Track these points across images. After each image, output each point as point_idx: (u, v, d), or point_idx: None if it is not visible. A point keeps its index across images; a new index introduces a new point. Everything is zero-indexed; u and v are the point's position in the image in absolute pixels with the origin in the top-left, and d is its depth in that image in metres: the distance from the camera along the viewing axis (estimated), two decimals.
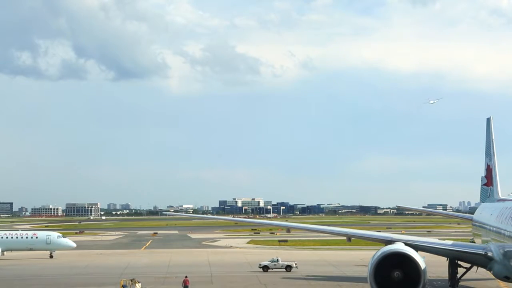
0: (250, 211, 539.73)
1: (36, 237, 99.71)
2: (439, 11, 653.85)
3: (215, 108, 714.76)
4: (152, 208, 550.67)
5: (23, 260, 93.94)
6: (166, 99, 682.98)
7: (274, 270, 74.99)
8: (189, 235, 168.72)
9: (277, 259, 77.24)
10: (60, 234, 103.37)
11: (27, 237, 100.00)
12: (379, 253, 42.07)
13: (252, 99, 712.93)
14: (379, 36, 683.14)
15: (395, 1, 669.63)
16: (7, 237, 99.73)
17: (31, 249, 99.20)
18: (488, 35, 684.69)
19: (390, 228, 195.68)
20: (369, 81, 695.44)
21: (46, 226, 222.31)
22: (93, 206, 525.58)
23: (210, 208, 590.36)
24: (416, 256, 41.74)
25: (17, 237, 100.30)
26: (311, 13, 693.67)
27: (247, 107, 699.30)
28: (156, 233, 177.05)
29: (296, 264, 77.53)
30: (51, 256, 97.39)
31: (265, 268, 75.60)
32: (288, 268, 76.04)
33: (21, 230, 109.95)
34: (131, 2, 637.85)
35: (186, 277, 61.98)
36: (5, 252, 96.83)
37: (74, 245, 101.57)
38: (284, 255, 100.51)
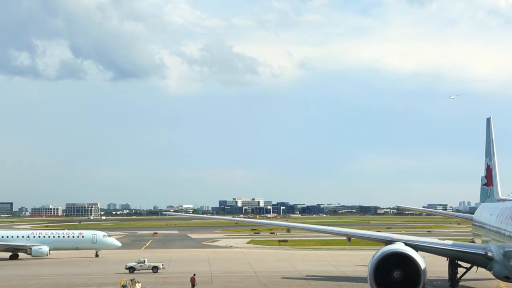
0: (250, 211, 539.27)
1: (82, 236, 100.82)
2: (436, 11, 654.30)
3: (215, 108, 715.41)
4: (152, 208, 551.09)
5: (69, 259, 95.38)
6: (165, 99, 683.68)
7: (140, 271, 74.44)
8: (189, 235, 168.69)
9: (144, 260, 76.94)
10: (106, 233, 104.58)
11: (73, 236, 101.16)
12: (379, 253, 42.07)
13: (251, 99, 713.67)
14: (377, 36, 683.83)
15: (392, 1, 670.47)
16: (53, 236, 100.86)
17: (77, 248, 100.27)
18: (486, 35, 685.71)
19: (390, 228, 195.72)
20: (368, 81, 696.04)
21: (46, 226, 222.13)
22: (93, 206, 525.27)
23: (210, 208, 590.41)
24: (416, 256, 41.75)
25: (63, 236, 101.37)
26: (309, 13, 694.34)
27: (246, 107, 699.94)
28: (156, 233, 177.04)
29: (163, 265, 77.55)
30: (96, 255, 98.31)
31: (131, 270, 74.66)
32: (155, 269, 75.77)
33: (67, 229, 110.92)
34: (129, 2, 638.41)
35: (194, 275, 62.41)
36: (51, 251, 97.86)
37: (119, 244, 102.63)
38: (284, 255, 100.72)
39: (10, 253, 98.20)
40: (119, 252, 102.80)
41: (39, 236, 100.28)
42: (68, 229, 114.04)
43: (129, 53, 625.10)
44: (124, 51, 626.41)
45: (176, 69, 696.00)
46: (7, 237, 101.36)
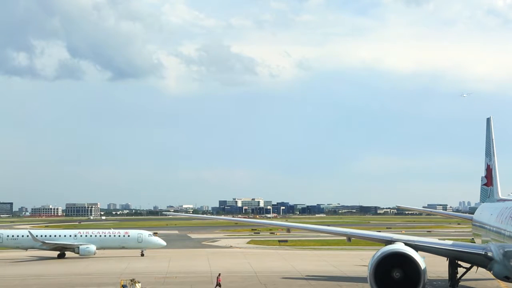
0: (250, 211, 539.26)
1: (128, 236, 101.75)
2: (433, 11, 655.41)
3: (214, 108, 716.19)
4: (152, 208, 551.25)
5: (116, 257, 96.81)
6: (164, 99, 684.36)
7: None
8: (189, 235, 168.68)
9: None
10: (151, 233, 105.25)
11: (119, 236, 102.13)
12: (379, 253, 42.05)
13: (251, 99, 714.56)
14: (375, 36, 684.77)
15: (389, 1, 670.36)
16: (100, 235, 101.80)
17: (123, 247, 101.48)
18: (484, 35, 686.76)
19: (390, 228, 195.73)
20: (367, 81, 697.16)
21: (46, 226, 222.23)
22: (93, 206, 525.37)
23: (210, 208, 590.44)
24: (416, 256, 41.73)
25: (110, 236, 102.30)
26: (306, 13, 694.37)
27: (245, 107, 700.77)
28: (156, 233, 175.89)
29: None
30: (142, 254, 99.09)
31: None
32: None
33: (113, 229, 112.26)
34: (126, 2, 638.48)
35: (219, 275, 63.05)
36: (97, 250, 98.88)
37: (164, 243, 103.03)
38: (284, 255, 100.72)
39: (58, 252, 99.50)
40: (119, 252, 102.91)
41: (86, 235, 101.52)
42: (113, 229, 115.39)
43: (126, 53, 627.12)
44: (121, 51, 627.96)
45: (174, 69, 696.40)
46: (55, 236, 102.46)
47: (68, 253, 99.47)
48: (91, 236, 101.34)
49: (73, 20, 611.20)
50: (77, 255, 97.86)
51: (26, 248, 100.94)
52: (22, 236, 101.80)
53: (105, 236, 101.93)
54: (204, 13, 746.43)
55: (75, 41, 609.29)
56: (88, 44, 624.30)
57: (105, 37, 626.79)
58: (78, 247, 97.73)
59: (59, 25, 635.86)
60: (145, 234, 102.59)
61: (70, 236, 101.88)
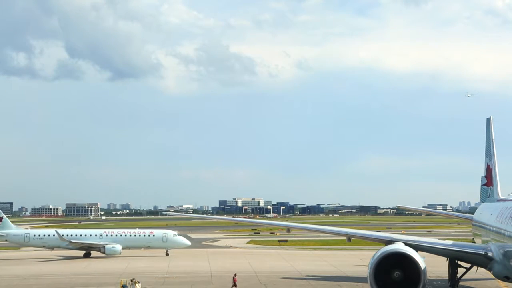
0: (250, 211, 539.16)
1: (153, 235, 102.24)
2: (432, 11, 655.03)
3: (214, 108, 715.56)
4: (152, 208, 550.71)
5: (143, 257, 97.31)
6: (163, 99, 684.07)
7: None
8: (189, 235, 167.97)
9: None
10: (176, 232, 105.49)
11: (144, 235, 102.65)
12: (379, 253, 42.07)
13: (250, 99, 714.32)
14: (374, 36, 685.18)
15: (388, 1, 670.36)
16: (125, 235, 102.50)
17: (148, 247, 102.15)
18: (483, 35, 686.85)
19: (390, 228, 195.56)
20: (367, 81, 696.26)
21: (46, 226, 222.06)
22: (93, 206, 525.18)
23: (210, 208, 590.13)
24: (416, 256, 41.74)
25: (135, 235, 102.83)
26: (305, 13, 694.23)
27: (245, 107, 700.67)
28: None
29: None
30: (167, 254, 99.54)
31: None
32: None
33: (139, 228, 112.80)
34: (124, 2, 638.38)
35: (235, 275, 63.29)
36: (122, 250, 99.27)
37: (189, 243, 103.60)
38: (284, 255, 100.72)
39: (84, 251, 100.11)
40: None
41: (111, 235, 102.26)
42: (139, 228, 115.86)
43: (125, 53, 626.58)
44: (120, 51, 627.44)
45: (173, 69, 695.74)
46: (81, 235, 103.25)
47: (93, 253, 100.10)
48: (116, 235, 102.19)
49: (72, 20, 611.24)
50: (103, 254, 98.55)
51: (52, 248, 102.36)
52: (49, 235, 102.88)
53: (130, 235, 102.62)
54: (203, 13, 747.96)
55: (74, 41, 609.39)
56: (87, 44, 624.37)
57: (104, 37, 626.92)
58: (104, 247, 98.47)
59: (58, 25, 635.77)
60: (170, 233, 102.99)
61: (96, 235, 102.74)
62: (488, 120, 60.45)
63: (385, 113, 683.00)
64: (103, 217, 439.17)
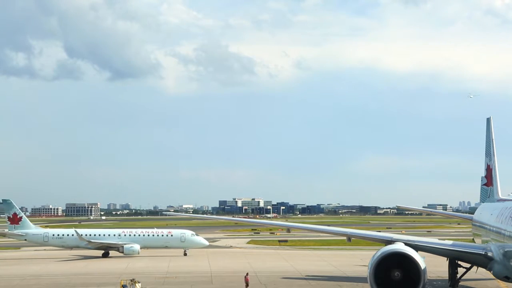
0: (250, 211, 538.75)
1: (171, 235, 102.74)
2: (431, 11, 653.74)
3: (214, 108, 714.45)
4: (152, 208, 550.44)
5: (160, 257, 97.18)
6: (163, 99, 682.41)
7: None
8: None
9: None
10: (194, 232, 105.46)
11: (162, 235, 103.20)
12: (379, 253, 42.06)
13: (250, 98, 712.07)
14: (373, 36, 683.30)
15: (388, 1, 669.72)
16: (144, 235, 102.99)
17: (166, 247, 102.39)
18: (483, 35, 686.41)
19: (390, 228, 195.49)
20: (366, 81, 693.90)
21: (46, 226, 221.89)
22: (93, 206, 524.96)
23: (210, 208, 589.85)
24: (416, 256, 41.73)
25: (153, 235, 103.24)
26: (305, 14, 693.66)
27: (245, 106, 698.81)
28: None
29: None
30: (185, 254, 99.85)
31: None
32: None
33: (157, 228, 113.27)
34: (123, 1, 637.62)
35: (247, 274, 63.49)
36: (140, 250, 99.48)
37: (207, 243, 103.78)
38: (284, 255, 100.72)
39: (103, 251, 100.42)
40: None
41: (130, 235, 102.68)
42: (157, 228, 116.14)
43: (125, 53, 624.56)
44: (120, 51, 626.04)
45: (172, 69, 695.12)
46: (99, 235, 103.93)
47: (112, 252, 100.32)
48: (134, 235, 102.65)
49: (71, 20, 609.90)
50: (121, 254, 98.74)
51: (71, 247, 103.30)
52: (68, 235, 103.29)
53: (148, 235, 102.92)
54: (202, 13, 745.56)
55: (73, 41, 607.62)
56: (86, 44, 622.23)
57: (103, 37, 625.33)
58: (123, 247, 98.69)
59: (57, 25, 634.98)
60: (188, 233, 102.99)
61: (115, 235, 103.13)
62: (488, 120, 60.45)
63: (385, 113, 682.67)
64: (103, 217, 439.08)
